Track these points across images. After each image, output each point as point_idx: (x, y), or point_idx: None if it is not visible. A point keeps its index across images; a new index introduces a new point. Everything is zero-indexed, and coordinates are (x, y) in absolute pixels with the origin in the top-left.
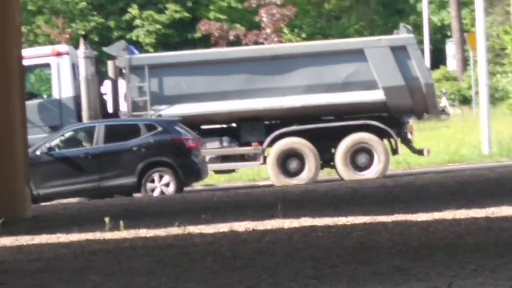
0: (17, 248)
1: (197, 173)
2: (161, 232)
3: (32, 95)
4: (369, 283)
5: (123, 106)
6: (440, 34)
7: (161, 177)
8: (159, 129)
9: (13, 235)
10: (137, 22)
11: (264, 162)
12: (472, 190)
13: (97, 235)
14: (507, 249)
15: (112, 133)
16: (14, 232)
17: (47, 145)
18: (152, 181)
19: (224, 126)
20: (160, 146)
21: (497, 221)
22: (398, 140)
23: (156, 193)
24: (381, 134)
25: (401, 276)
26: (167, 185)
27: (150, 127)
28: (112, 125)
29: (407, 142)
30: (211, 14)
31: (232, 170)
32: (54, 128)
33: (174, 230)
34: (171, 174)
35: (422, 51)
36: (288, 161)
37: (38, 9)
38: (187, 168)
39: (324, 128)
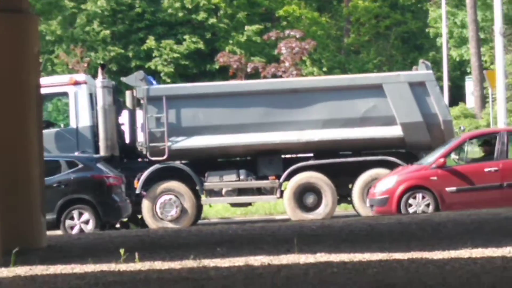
0: (31, 278)
1: (117, 211)
2: (176, 264)
3: (50, 124)
4: None
5: (140, 137)
6: (459, 71)
7: (80, 214)
8: (80, 166)
9: (28, 264)
10: (156, 52)
11: (281, 196)
12: (489, 229)
13: (112, 267)
14: None
15: None
16: (28, 262)
17: None
18: (72, 218)
19: (241, 159)
20: (80, 183)
21: None
22: None
23: (75, 231)
24: None
25: None
26: (86, 222)
27: (71, 164)
28: None
29: None
30: (229, 47)
31: (249, 204)
32: None
33: (189, 263)
34: (90, 212)
35: (441, 87)
36: (305, 196)
37: (56, 39)
38: (106, 206)
39: (341, 163)
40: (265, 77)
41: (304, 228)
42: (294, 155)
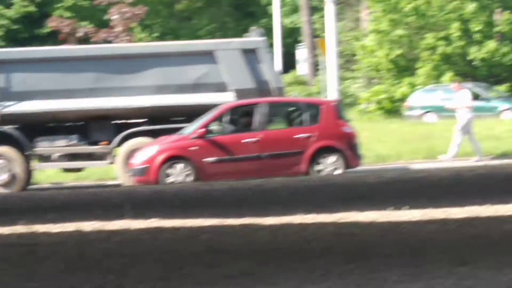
0: None
1: None
2: (5, 230)
3: None
4: (216, 286)
5: None
6: (291, 38)
7: None
8: None
9: None
10: None
11: (113, 161)
12: (321, 195)
13: None
14: (354, 254)
15: None
16: None
17: None
18: None
19: (73, 124)
20: None
21: (345, 227)
22: None
23: None
24: None
25: (248, 280)
26: None
27: None
28: None
29: None
30: (59, 12)
31: (79, 169)
32: None
33: (19, 228)
34: None
35: (273, 54)
36: None
37: None
38: None
39: (174, 129)
40: (96, 42)
41: (136, 193)
42: (126, 121)
